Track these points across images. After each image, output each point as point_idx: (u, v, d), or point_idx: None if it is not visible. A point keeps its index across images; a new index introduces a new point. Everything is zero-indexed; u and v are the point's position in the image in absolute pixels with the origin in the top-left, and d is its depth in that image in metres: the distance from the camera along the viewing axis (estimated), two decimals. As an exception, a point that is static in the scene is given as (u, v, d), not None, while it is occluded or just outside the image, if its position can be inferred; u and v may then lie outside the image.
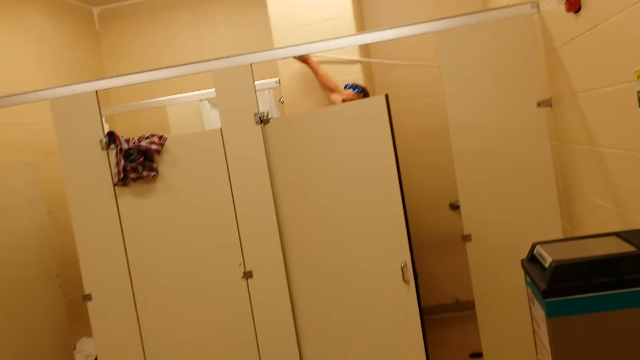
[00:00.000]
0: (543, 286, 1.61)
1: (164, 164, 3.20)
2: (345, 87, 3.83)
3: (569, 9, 2.40)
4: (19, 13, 4.32)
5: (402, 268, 2.95)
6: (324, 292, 3.15)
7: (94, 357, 3.73)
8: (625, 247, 1.66)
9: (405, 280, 2.95)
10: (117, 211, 3.24)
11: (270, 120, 3.15)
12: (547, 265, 1.66)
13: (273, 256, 3.15)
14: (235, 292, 3.20)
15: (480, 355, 3.15)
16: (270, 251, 3.15)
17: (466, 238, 3.03)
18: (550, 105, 2.95)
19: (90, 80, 3.22)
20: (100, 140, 3.20)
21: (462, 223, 3.05)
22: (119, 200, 3.24)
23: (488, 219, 3.01)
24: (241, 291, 3.19)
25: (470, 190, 3.01)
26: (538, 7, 2.88)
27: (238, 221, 3.17)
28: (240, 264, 3.18)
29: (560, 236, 2.94)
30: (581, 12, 2.32)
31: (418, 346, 2.99)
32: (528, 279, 1.82)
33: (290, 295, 3.18)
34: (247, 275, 3.18)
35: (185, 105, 4.65)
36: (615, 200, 2.27)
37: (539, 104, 2.92)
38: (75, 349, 3.99)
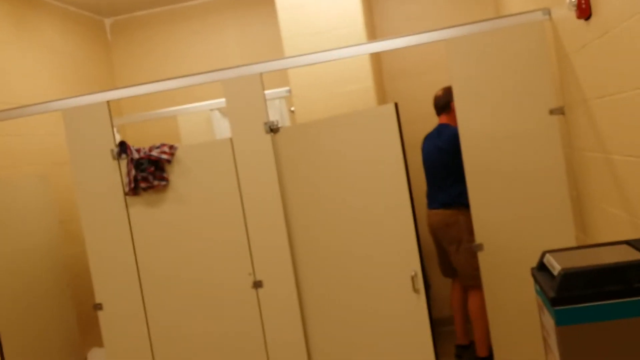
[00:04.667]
0: (552, 294, 1.58)
1: (175, 173, 3.21)
2: None
3: (579, 16, 2.38)
4: (32, 25, 4.37)
5: (413, 277, 2.92)
6: (334, 301, 3.13)
7: (105, 367, 3.73)
8: (635, 256, 1.63)
9: (415, 290, 2.93)
10: (128, 220, 3.25)
11: (280, 129, 3.15)
12: (555, 273, 1.64)
13: (283, 265, 3.15)
14: (245, 301, 3.19)
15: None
16: (280, 260, 3.15)
17: (478, 247, 3.00)
18: (563, 113, 2.92)
19: (102, 91, 3.25)
20: (112, 150, 3.22)
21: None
22: (130, 209, 3.25)
23: (500, 228, 2.97)
24: (251, 300, 3.19)
25: (482, 199, 2.98)
26: (550, 14, 2.86)
27: (248, 230, 3.17)
28: (250, 274, 3.18)
29: (574, 245, 2.90)
30: (591, 19, 2.29)
31: (429, 356, 2.96)
32: (537, 288, 1.80)
33: (300, 304, 3.17)
34: (257, 284, 3.17)
35: (196, 115, 4.67)
36: (628, 208, 2.23)
37: (551, 112, 2.88)
38: (86, 359, 4.00)
